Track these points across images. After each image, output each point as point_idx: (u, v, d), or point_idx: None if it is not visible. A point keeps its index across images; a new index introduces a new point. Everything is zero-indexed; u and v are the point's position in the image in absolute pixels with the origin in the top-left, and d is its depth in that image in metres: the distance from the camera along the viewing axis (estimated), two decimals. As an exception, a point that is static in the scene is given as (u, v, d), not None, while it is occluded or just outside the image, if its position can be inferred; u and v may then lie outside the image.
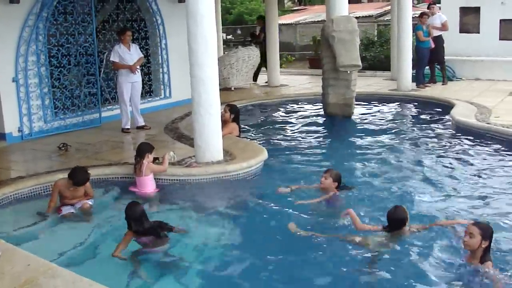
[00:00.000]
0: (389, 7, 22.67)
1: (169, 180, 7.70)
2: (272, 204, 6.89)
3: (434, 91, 14.89)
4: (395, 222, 5.71)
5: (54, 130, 10.89)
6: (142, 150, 7.54)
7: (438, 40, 15.71)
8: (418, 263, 5.23)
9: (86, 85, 11.56)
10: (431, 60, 15.90)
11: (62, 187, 6.86)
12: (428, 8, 16.52)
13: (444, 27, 15.75)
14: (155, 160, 7.67)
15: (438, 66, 16.22)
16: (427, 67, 16.08)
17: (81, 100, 11.46)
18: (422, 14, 15.91)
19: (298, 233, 5.97)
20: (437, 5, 15.99)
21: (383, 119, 12.21)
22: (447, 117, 11.49)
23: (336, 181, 7.03)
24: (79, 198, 6.92)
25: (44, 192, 7.39)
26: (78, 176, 6.84)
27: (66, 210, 6.76)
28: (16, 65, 10.19)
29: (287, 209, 6.64)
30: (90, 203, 6.97)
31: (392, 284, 4.93)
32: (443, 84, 15.78)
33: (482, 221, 5.44)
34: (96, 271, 5.21)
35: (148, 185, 7.47)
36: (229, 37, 33.03)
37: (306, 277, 5.14)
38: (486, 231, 4.88)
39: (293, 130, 11.33)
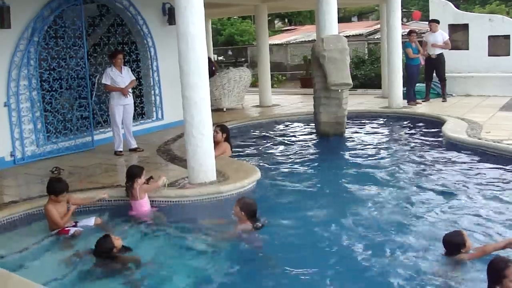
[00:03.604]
0: (378, 26, 22.91)
1: (163, 201, 7.67)
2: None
3: (425, 108, 14.98)
4: (451, 246, 5.48)
5: (47, 154, 10.86)
6: (132, 174, 7.51)
7: (440, 58, 15.86)
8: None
9: (78, 108, 11.56)
10: (429, 77, 16.04)
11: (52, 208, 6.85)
12: (428, 25, 16.62)
13: (446, 44, 15.88)
14: (149, 179, 7.66)
15: (435, 83, 16.35)
16: (422, 85, 16.20)
17: (73, 123, 11.46)
18: (410, 32, 16.09)
19: None
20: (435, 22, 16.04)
21: (375, 137, 12.23)
22: (438, 133, 11.54)
23: (245, 211, 6.50)
24: (66, 215, 6.91)
25: (37, 216, 7.36)
26: (54, 185, 6.90)
27: (73, 229, 6.76)
28: (7, 89, 10.20)
29: (277, 230, 6.66)
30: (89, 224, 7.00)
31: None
32: (443, 101, 15.86)
33: None
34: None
35: (144, 206, 7.47)
36: (220, 58, 33.18)
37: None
38: None
39: (286, 150, 11.33)
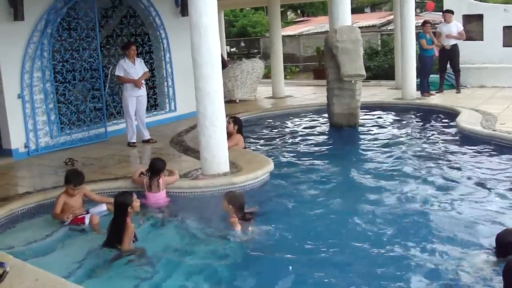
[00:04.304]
0: (392, 17, 22.77)
1: (176, 193, 7.68)
2: (278, 216, 6.88)
3: (439, 99, 14.89)
4: (503, 247, 5.02)
5: (60, 145, 10.92)
6: (158, 168, 7.50)
7: (454, 48, 15.74)
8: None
9: (91, 100, 11.60)
10: (443, 68, 15.93)
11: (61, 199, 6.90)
12: (442, 15, 16.48)
13: (461, 35, 15.76)
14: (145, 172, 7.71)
15: (449, 74, 16.24)
16: (436, 76, 16.09)
17: (86, 115, 11.50)
18: (424, 23, 15.93)
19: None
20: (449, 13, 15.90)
21: (388, 129, 12.18)
22: (452, 125, 11.47)
23: (233, 204, 6.46)
24: (78, 209, 6.93)
25: (51, 207, 7.38)
26: (71, 176, 6.99)
27: (87, 217, 6.79)
28: (21, 81, 10.24)
29: (290, 221, 6.64)
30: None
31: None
32: (457, 93, 15.74)
33: None
34: (103, 284, 5.22)
35: (161, 198, 7.49)
36: (233, 49, 33.14)
37: None
38: None
39: (299, 141, 11.31)
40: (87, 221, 6.73)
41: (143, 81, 11.07)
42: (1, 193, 7.84)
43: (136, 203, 6.08)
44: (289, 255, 5.68)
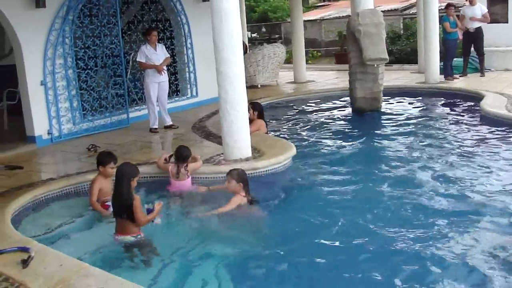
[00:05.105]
0: (414, 0, 22.49)
1: (198, 178, 7.66)
2: (301, 201, 6.86)
3: (463, 83, 14.71)
4: None
5: (83, 131, 10.96)
6: (185, 156, 7.47)
7: (478, 31, 15.49)
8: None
9: (113, 86, 11.62)
10: (466, 52, 15.72)
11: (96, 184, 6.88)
12: None
13: (485, 18, 15.51)
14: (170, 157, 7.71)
15: (473, 58, 16.02)
16: (460, 59, 15.89)
17: (108, 101, 11.53)
18: (448, 5, 15.72)
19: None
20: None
21: (411, 113, 12.08)
22: (477, 108, 11.32)
23: (241, 181, 6.63)
24: (109, 194, 6.91)
25: (75, 193, 7.44)
26: (108, 154, 7.07)
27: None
28: (44, 68, 10.28)
29: (316, 205, 6.60)
30: None
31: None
32: (481, 76, 15.52)
33: None
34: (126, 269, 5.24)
35: (187, 184, 7.47)
36: (254, 35, 33.02)
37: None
38: None
39: (321, 126, 11.25)
40: (111, 209, 6.74)
41: (164, 67, 11.06)
42: (25, 179, 7.88)
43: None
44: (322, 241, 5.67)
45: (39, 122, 10.31)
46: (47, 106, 10.39)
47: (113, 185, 5.96)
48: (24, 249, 4.96)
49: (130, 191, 5.74)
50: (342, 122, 11.55)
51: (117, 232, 5.80)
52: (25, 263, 4.67)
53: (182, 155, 7.46)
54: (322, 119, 11.91)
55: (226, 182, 6.74)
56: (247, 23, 24.97)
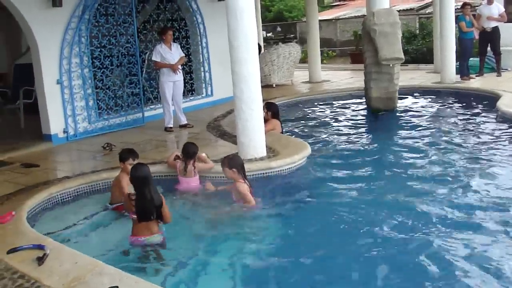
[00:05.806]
0: (430, 0, 22.38)
1: (213, 177, 7.65)
2: (316, 201, 6.84)
3: (479, 83, 14.60)
4: None
5: (98, 130, 11.01)
6: (193, 152, 7.49)
7: (495, 31, 15.37)
8: None
9: (128, 85, 11.66)
10: (483, 51, 15.61)
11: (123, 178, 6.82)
12: None
13: (502, 17, 15.39)
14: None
15: (489, 57, 15.89)
16: (476, 59, 15.79)
17: (124, 100, 11.57)
18: (464, 5, 15.62)
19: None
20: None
21: (427, 113, 12.00)
22: (493, 108, 11.24)
23: (236, 167, 6.68)
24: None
25: (90, 191, 7.48)
26: (129, 150, 7.06)
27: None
28: (60, 67, 10.34)
29: (331, 205, 6.58)
30: None
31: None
32: (497, 76, 15.39)
33: None
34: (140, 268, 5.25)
35: (195, 182, 7.49)
36: (269, 34, 33.02)
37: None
38: None
39: (336, 125, 11.23)
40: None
41: (179, 66, 11.07)
42: (41, 177, 7.93)
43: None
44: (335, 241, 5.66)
45: (55, 121, 10.38)
46: (63, 104, 10.45)
47: (136, 191, 5.68)
48: (40, 247, 4.99)
49: (156, 190, 5.74)
50: (357, 122, 11.51)
51: (140, 234, 5.63)
52: (40, 260, 4.71)
53: (189, 152, 7.50)
54: (337, 119, 11.88)
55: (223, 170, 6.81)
56: (262, 23, 24.99)
